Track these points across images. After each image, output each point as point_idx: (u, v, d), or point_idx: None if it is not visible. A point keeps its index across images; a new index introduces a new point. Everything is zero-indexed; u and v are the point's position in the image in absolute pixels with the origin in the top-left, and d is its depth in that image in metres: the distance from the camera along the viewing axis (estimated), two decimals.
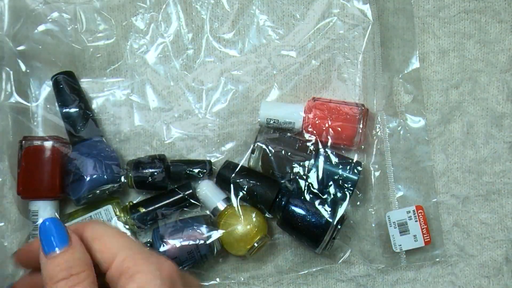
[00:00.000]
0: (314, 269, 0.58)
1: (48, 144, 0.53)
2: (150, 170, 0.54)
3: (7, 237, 0.58)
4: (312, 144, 0.54)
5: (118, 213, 0.54)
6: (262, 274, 0.58)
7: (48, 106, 0.57)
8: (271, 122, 0.54)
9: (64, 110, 0.55)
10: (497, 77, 0.58)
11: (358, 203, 0.57)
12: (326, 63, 0.58)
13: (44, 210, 0.54)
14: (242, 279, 0.58)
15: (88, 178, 0.52)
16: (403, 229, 0.55)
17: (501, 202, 0.59)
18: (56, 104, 0.56)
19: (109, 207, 0.54)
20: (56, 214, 0.55)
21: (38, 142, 0.53)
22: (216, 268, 0.58)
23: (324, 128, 0.54)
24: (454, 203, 0.58)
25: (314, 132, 0.54)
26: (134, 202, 0.56)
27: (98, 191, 0.54)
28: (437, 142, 0.58)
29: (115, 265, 0.32)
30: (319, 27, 0.58)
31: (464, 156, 0.58)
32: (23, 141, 0.54)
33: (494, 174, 0.58)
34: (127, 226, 0.54)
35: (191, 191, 0.55)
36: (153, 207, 0.55)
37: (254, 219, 0.54)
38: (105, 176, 0.53)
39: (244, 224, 0.53)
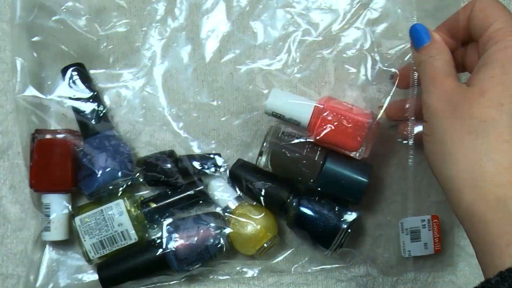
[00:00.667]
0: (322, 267, 0.58)
1: (60, 137, 0.53)
2: (161, 167, 0.54)
3: (7, 237, 0.58)
4: (321, 147, 0.53)
5: (129, 207, 0.54)
6: (269, 268, 0.58)
7: (60, 98, 0.56)
8: (277, 115, 0.53)
9: (76, 103, 0.54)
10: None
11: (368, 205, 0.57)
12: (339, 59, 0.56)
13: (56, 203, 0.54)
14: (251, 274, 0.58)
15: (100, 173, 0.52)
16: (415, 236, 0.55)
17: None
18: (69, 96, 0.55)
19: (120, 201, 0.54)
20: (68, 207, 0.54)
21: (50, 135, 0.53)
22: (225, 264, 0.57)
23: (330, 133, 0.51)
24: None
25: (321, 135, 0.52)
26: (146, 197, 0.56)
27: (110, 186, 0.53)
28: None
29: (488, 32, 0.40)
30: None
31: None
32: (36, 134, 0.53)
33: None
34: (136, 222, 0.54)
35: (202, 188, 0.55)
36: (164, 203, 0.55)
37: (264, 220, 0.53)
38: (117, 171, 0.52)
39: (254, 224, 0.53)
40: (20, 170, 0.57)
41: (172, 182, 0.54)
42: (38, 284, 0.56)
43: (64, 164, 0.53)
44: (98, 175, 0.52)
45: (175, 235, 0.53)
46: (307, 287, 0.58)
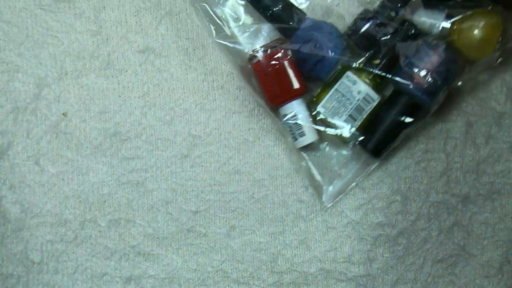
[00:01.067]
0: None
1: (274, 49, 0.54)
2: (366, 29, 0.54)
3: (7, 237, 0.58)
4: None
5: (358, 74, 0.54)
6: None
7: (251, 19, 0.56)
8: None
9: (267, 13, 0.54)
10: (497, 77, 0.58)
11: None
12: None
13: (298, 108, 0.55)
14: None
15: (330, 54, 0.53)
16: None
17: (501, 202, 0.59)
18: (257, 11, 0.55)
19: (348, 72, 0.54)
20: (307, 106, 0.55)
21: (263, 53, 0.54)
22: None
23: None
24: (454, 203, 0.59)
25: None
26: (364, 58, 0.55)
27: (339, 65, 0.55)
28: (437, 142, 0.58)
29: None
30: None
31: (464, 156, 0.58)
32: (252, 57, 0.54)
33: (494, 174, 0.59)
34: (371, 84, 0.54)
35: (410, 24, 0.54)
36: (385, 56, 0.54)
37: (486, 19, 0.52)
38: (340, 48, 0.53)
39: (480, 27, 0.52)
40: (20, 170, 0.57)
41: (381, 33, 0.54)
42: (329, 189, 0.58)
43: (291, 70, 0.54)
44: (330, 56, 0.53)
45: (415, 70, 0.52)
46: (307, 287, 0.58)
